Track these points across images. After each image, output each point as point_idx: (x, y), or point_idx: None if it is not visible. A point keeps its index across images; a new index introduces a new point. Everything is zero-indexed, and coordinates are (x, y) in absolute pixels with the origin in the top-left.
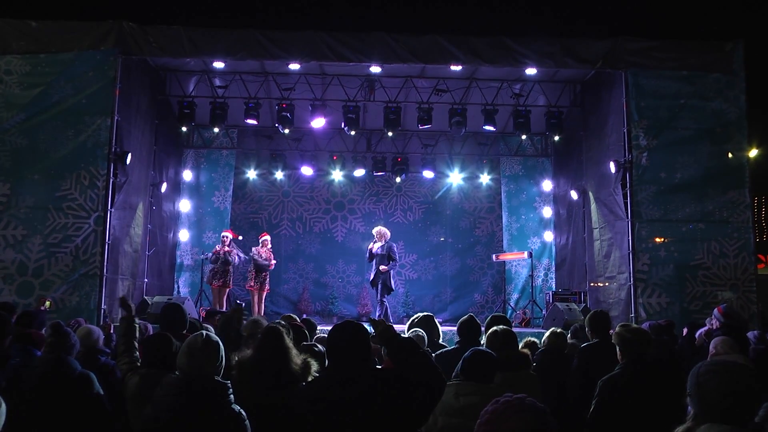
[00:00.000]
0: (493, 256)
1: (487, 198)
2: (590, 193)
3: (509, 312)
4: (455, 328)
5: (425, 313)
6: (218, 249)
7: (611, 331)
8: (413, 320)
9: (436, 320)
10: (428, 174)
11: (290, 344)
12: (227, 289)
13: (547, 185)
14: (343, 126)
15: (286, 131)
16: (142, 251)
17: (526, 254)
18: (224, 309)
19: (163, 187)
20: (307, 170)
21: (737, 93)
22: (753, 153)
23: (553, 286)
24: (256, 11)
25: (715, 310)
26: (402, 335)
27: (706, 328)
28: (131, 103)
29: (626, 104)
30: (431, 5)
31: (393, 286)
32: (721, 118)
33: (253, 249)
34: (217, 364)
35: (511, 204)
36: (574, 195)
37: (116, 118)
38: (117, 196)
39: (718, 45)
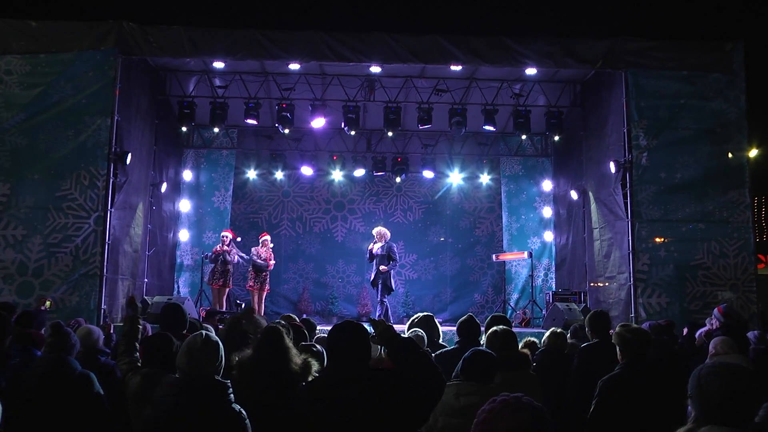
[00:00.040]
0: (493, 256)
1: (487, 198)
2: (590, 193)
3: (509, 312)
4: (455, 328)
5: (425, 313)
6: (218, 248)
7: (611, 331)
8: (413, 320)
9: (436, 320)
10: (428, 174)
11: (290, 344)
12: (227, 289)
13: (547, 185)
14: (343, 126)
15: (286, 131)
16: (142, 251)
17: (526, 254)
18: (224, 309)
19: (163, 187)
20: (307, 170)
21: (737, 93)
22: (753, 153)
23: (553, 286)
24: (256, 11)
25: (715, 310)
26: (402, 335)
27: (706, 328)
28: (131, 103)
29: (626, 104)
30: (431, 5)
31: (393, 287)
32: (721, 118)
33: (253, 249)
34: (216, 364)
35: (511, 204)
36: (574, 195)
37: (116, 118)
38: (117, 196)
39: (718, 45)
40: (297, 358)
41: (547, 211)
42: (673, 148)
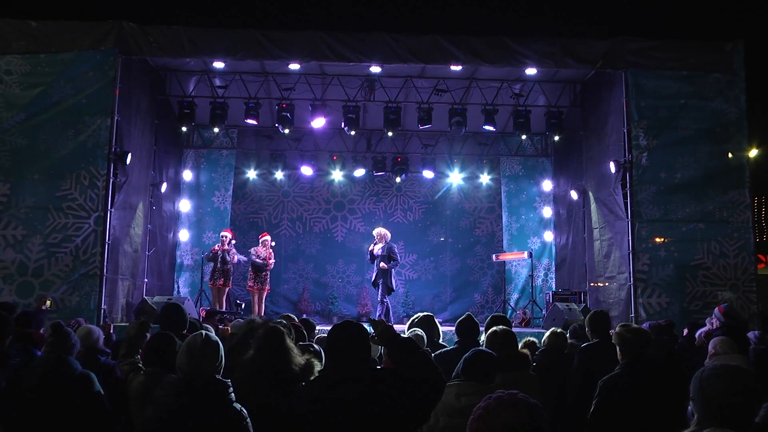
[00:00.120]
0: (493, 256)
1: (487, 198)
2: (590, 193)
3: (509, 312)
4: (454, 328)
5: (425, 313)
6: (216, 248)
7: (611, 331)
8: (413, 320)
9: (436, 320)
10: (428, 174)
11: (291, 344)
12: (227, 289)
13: (547, 185)
14: (343, 126)
15: (286, 131)
16: (142, 251)
17: (526, 254)
18: (224, 309)
19: (163, 187)
20: (307, 170)
21: (737, 93)
22: (753, 153)
23: (553, 286)
24: (256, 11)
25: (716, 310)
26: (402, 335)
27: (706, 328)
28: (131, 103)
29: (626, 104)
30: (431, 5)
31: (394, 287)
32: (721, 118)
33: (252, 249)
34: (216, 364)
35: (511, 204)
36: (574, 195)
37: (116, 118)
38: (117, 196)
39: (718, 45)
40: (299, 358)
41: (547, 211)
42: (673, 148)
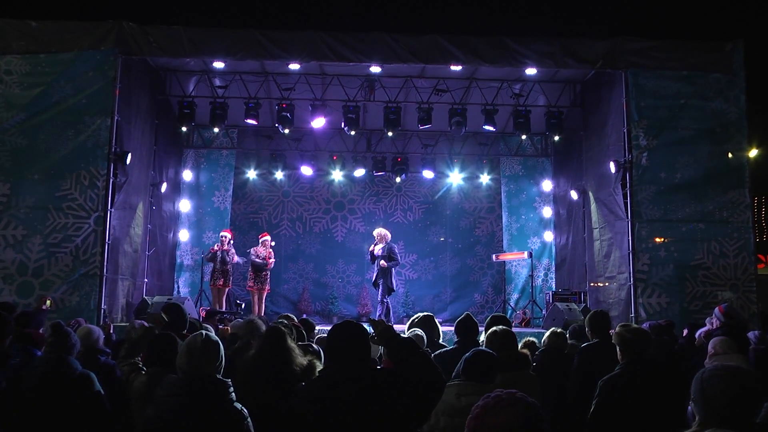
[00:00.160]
0: (493, 256)
1: (487, 198)
2: (590, 193)
3: (509, 312)
4: (453, 328)
5: (425, 313)
6: (215, 248)
7: (611, 331)
8: (413, 320)
9: (436, 320)
10: (428, 174)
11: (292, 345)
12: (227, 289)
13: (547, 185)
14: (343, 126)
15: (286, 131)
16: (142, 251)
17: (526, 254)
18: (224, 309)
19: (163, 187)
20: (307, 170)
21: (737, 93)
22: (753, 153)
23: (553, 286)
24: (256, 11)
25: (716, 309)
26: (402, 335)
27: (706, 328)
28: (131, 103)
29: (626, 104)
30: (431, 5)
31: (395, 287)
32: (721, 118)
33: (252, 249)
34: (217, 364)
35: (511, 204)
36: (574, 195)
37: (116, 118)
38: (117, 196)
39: (718, 45)
40: (300, 358)
41: (547, 211)
42: (673, 148)
